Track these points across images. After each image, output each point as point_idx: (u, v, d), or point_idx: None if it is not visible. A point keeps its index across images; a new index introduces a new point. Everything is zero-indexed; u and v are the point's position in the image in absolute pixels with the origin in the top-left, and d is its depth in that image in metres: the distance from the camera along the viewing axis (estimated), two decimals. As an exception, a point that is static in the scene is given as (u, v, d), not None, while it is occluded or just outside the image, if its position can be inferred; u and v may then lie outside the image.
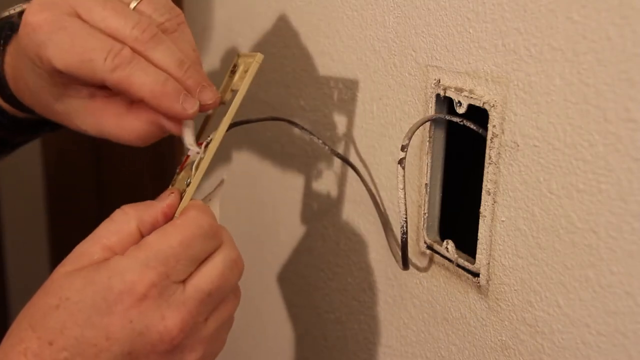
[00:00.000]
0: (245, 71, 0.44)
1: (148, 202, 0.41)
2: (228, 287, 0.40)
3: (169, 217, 0.40)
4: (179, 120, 0.42)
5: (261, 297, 0.73)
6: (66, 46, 0.39)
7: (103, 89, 0.43)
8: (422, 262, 0.49)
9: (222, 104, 0.45)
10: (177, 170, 0.44)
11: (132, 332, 0.36)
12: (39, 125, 0.53)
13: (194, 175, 0.41)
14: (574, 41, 0.35)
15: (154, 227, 0.40)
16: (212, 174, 0.77)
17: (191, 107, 0.41)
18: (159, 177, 1.03)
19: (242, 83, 0.43)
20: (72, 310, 0.36)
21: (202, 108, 0.42)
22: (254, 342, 0.76)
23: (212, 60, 0.76)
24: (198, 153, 0.42)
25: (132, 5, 0.41)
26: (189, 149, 0.43)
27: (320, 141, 0.50)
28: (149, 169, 1.07)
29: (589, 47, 0.34)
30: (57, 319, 0.36)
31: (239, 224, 0.76)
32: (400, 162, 0.43)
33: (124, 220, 0.39)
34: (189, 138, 0.43)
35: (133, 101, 0.43)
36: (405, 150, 0.43)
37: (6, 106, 0.51)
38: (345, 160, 0.53)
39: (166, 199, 0.41)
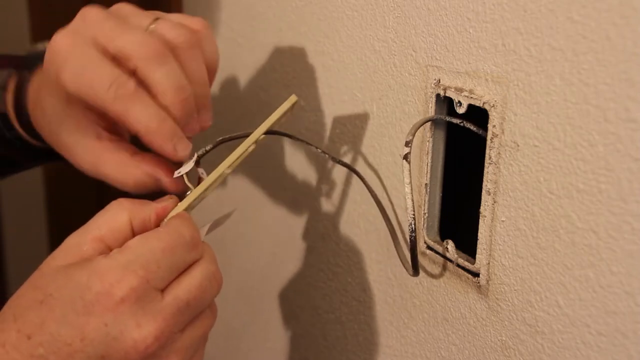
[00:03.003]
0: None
1: (145, 200, 0.41)
2: (206, 300, 0.40)
3: (160, 219, 0.41)
4: (174, 180, 0.44)
5: (261, 297, 0.73)
6: (78, 71, 0.41)
7: (111, 132, 0.46)
8: (422, 262, 0.49)
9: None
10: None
11: (107, 336, 0.36)
12: (48, 155, 0.54)
13: (197, 188, 0.42)
14: (574, 41, 0.35)
15: (144, 225, 0.40)
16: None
17: (183, 150, 0.43)
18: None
19: (268, 117, 0.43)
20: (52, 306, 0.36)
21: (201, 128, 0.44)
22: (254, 342, 0.76)
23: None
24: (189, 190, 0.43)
25: (148, 24, 0.42)
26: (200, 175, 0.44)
27: (320, 150, 0.49)
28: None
29: (589, 47, 0.34)
30: (39, 314, 0.36)
31: (238, 224, 0.76)
32: (406, 157, 0.43)
33: (118, 210, 0.39)
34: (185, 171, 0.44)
35: (136, 151, 0.45)
36: (410, 145, 0.43)
37: (22, 132, 0.53)
38: (348, 167, 0.52)
39: (163, 202, 0.41)
